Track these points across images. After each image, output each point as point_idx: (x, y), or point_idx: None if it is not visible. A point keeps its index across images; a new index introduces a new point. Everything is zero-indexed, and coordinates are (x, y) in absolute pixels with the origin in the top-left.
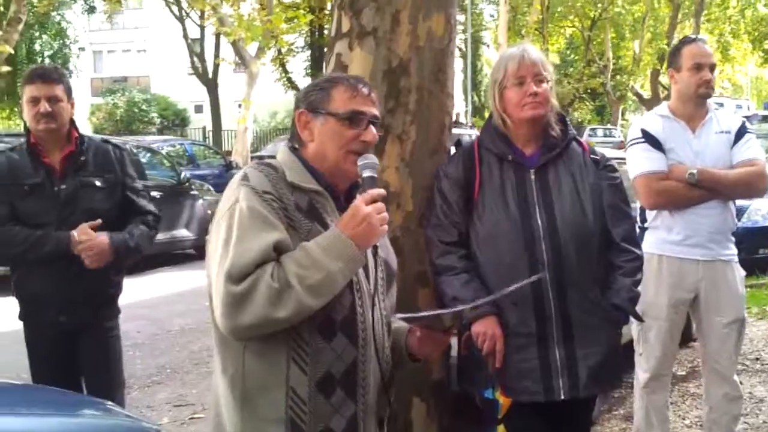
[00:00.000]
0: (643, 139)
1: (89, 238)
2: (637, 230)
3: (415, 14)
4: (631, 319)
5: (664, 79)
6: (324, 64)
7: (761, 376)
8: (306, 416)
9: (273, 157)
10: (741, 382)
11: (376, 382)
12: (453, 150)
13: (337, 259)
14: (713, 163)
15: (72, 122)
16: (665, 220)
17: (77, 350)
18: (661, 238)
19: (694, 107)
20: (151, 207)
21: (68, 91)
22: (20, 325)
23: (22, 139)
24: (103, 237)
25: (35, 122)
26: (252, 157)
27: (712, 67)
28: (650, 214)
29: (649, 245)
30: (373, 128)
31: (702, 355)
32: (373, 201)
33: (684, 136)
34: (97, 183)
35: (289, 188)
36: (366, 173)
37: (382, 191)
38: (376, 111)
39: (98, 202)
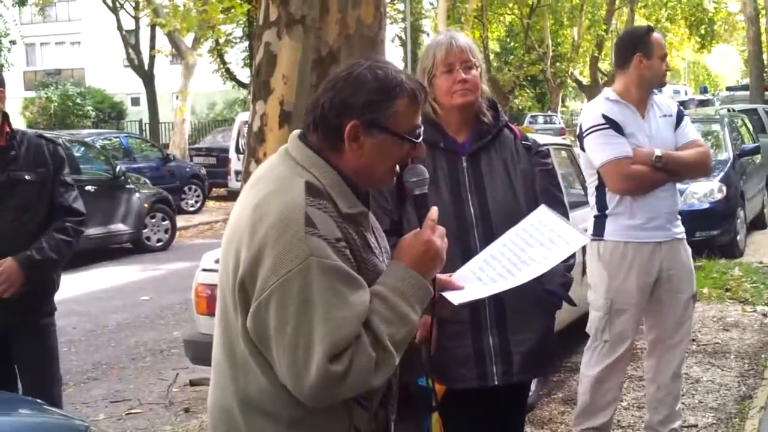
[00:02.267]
0: (606, 125)
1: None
2: (593, 219)
3: (344, 2)
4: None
5: (603, 65)
6: (255, 53)
7: (697, 357)
8: None
9: (224, 151)
10: None
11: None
12: None
13: (417, 304)
14: (663, 145)
15: (5, 116)
16: (628, 206)
17: (12, 349)
18: (624, 225)
19: (646, 93)
20: (76, 205)
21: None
22: None
23: None
24: (9, 262)
25: None
26: (189, 149)
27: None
28: (611, 201)
29: (613, 233)
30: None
31: (655, 335)
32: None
33: (637, 121)
34: (27, 177)
35: (344, 219)
36: (417, 191)
37: (435, 209)
38: None
39: (29, 196)
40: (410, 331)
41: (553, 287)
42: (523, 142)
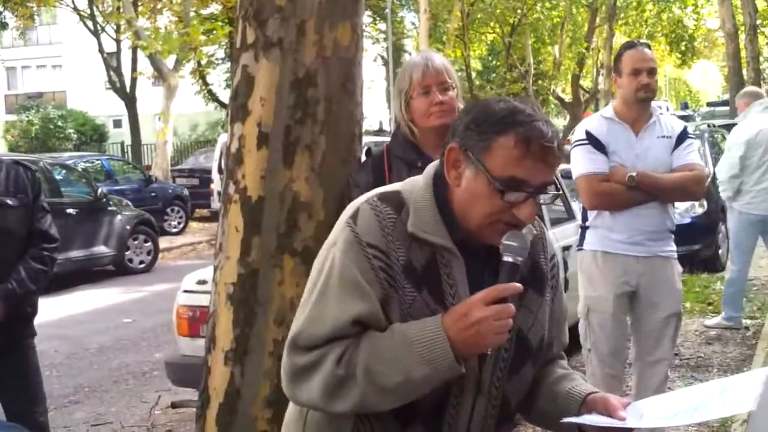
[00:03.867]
0: (586, 141)
1: None
2: (579, 230)
3: (321, 24)
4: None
5: (584, 82)
6: (232, 76)
7: (680, 371)
8: None
9: (207, 172)
10: None
11: None
12: (363, 158)
13: (426, 363)
14: (654, 166)
15: None
16: (605, 220)
17: None
18: (602, 236)
19: (638, 110)
20: (52, 231)
21: None
22: None
23: None
24: None
25: None
26: (172, 170)
27: (651, 71)
28: (591, 214)
29: (591, 242)
30: (532, 202)
31: (636, 351)
32: (499, 300)
33: (626, 139)
34: (9, 202)
35: (407, 239)
36: (507, 257)
37: (517, 287)
38: (549, 176)
39: (11, 221)
40: (405, 383)
41: None
42: None
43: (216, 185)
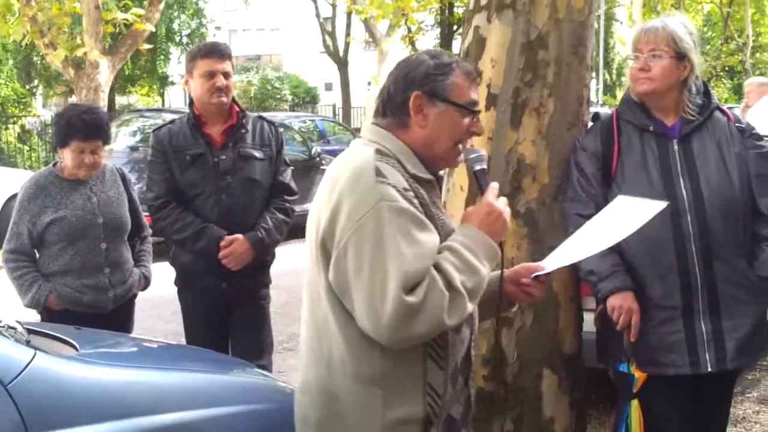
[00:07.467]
0: None
1: (231, 249)
2: None
3: None
4: None
5: None
6: (461, 37)
7: None
8: (438, 409)
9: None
10: None
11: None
12: (591, 123)
13: (486, 260)
14: None
15: (232, 97)
16: None
17: (231, 314)
18: None
19: None
20: (292, 184)
21: (233, 67)
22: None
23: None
24: (241, 241)
25: (209, 95)
26: None
27: None
28: None
29: None
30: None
31: None
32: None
33: None
34: (257, 154)
35: (413, 179)
36: (477, 167)
37: (496, 183)
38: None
39: (257, 172)
40: (480, 281)
41: (766, 274)
42: (736, 124)
43: None
